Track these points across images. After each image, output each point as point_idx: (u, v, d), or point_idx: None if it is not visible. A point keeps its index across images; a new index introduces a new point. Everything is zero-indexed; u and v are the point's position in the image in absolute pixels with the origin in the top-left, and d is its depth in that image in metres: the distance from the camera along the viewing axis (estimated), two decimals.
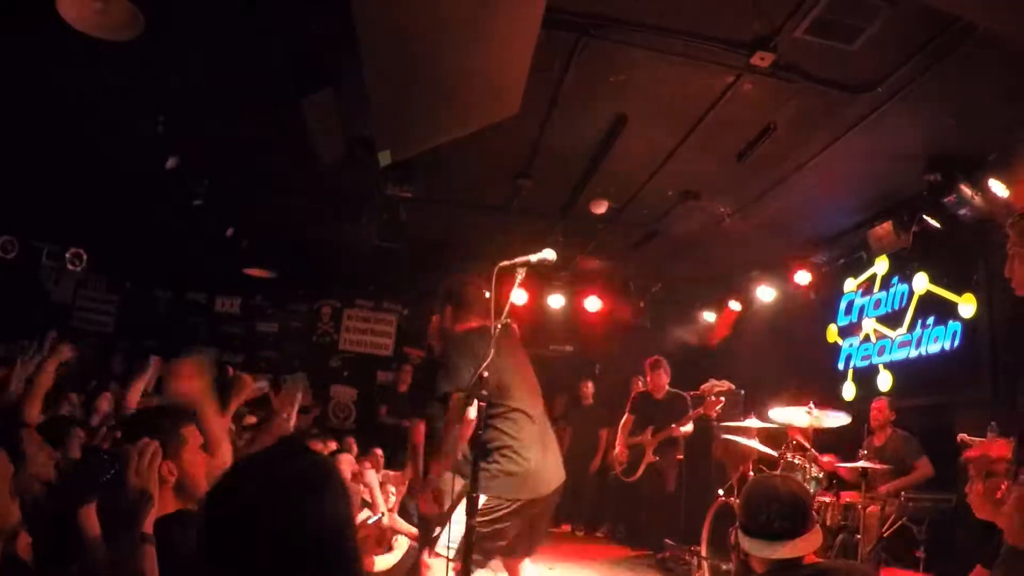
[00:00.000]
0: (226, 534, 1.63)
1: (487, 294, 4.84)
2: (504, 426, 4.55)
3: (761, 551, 2.96)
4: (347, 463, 7.38)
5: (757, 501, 3.01)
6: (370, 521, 6.83)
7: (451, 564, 4.40)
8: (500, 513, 4.43)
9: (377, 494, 7.21)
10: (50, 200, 9.55)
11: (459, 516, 4.25)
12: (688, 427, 9.32)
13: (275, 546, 1.59)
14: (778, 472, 6.76)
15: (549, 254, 4.24)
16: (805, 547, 2.94)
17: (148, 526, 2.49)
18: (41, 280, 11.56)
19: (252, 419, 6.75)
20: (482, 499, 4.25)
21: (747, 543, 3.01)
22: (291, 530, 1.60)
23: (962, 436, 5.87)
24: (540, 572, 8.21)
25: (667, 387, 9.77)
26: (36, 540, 2.92)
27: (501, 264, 4.20)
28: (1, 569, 2.36)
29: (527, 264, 4.19)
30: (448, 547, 4.38)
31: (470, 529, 4.05)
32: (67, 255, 10.73)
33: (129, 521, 2.43)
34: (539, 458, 4.58)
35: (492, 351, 4.09)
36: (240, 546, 1.60)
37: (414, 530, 7.28)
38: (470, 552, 4.08)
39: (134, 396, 5.44)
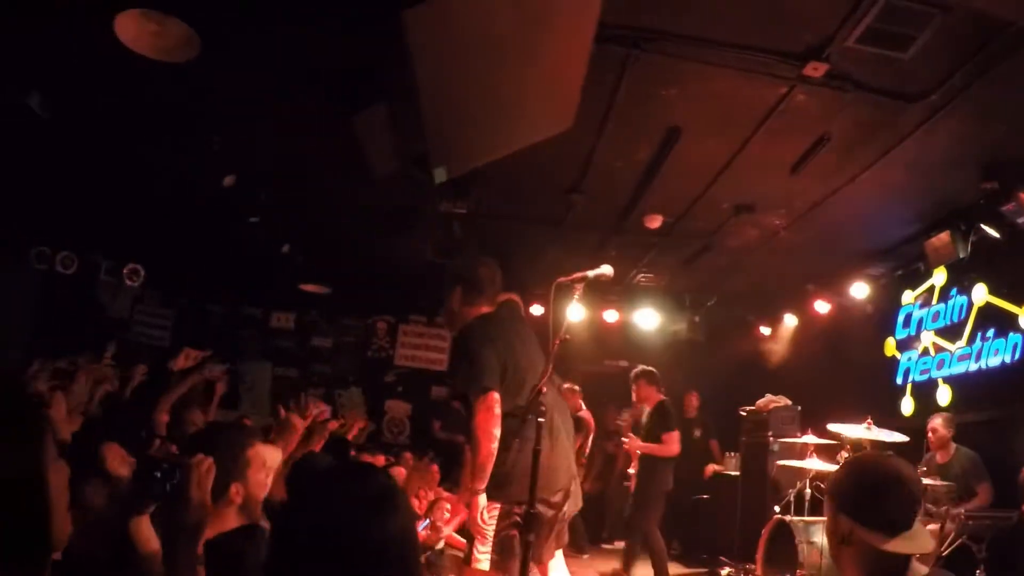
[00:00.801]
0: (298, 550, 1.68)
1: (498, 276, 4.79)
2: (510, 427, 4.37)
3: (885, 545, 2.44)
4: (400, 477, 7.46)
5: (874, 481, 2.55)
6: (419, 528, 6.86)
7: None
8: (514, 519, 4.32)
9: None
10: (108, 216, 9.74)
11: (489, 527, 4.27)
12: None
13: (345, 562, 1.64)
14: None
15: (607, 269, 4.24)
16: (925, 541, 2.54)
17: (200, 547, 2.48)
18: (99, 295, 11.78)
19: None
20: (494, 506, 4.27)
21: (864, 533, 2.46)
22: (361, 546, 1.65)
23: None
24: None
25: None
26: (93, 550, 2.98)
27: (559, 280, 4.22)
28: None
29: (585, 280, 4.20)
30: (482, 558, 4.33)
31: (505, 538, 4.10)
32: (125, 271, 10.95)
33: (191, 537, 2.40)
34: (547, 457, 4.23)
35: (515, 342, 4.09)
36: (311, 561, 1.65)
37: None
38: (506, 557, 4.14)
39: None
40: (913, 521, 2.48)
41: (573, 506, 4.61)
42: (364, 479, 1.79)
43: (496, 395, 4.31)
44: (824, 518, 2.85)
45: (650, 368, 9.13)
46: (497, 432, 4.28)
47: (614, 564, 9.87)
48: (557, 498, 4.40)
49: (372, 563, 1.65)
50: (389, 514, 1.70)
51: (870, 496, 2.50)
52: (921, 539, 2.50)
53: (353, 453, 7.82)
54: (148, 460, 2.68)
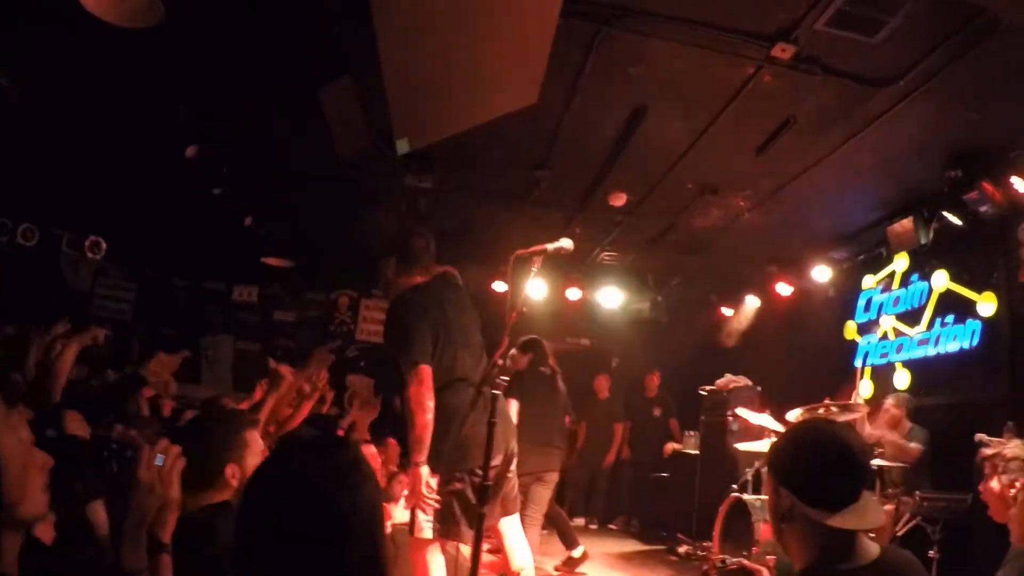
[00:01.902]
0: (265, 518, 1.68)
1: (432, 246, 4.82)
2: (445, 398, 4.44)
3: (829, 520, 2.25)
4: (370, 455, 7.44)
5: (815, 450, 2.37)
6: None
7: (436, 543, 4.45)
8: (454, 487, 4.40)
9: None
10: (70, 188, 9.59)
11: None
12: None
13: (313, 531, 1.64)
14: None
15: (566, 243, 4.23)
16: (874, 516, 2.33)
17: (166, 535, 2.38)
18: (60, 267, 11.61)
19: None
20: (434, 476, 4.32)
21: (806, 509, 2.29)
22: (329, 516, 1.65)
23: (980, 436, 5.83)
24: (554, 564, 8.21)
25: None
26: (59, 522, 2.93)
27: (518, 252, 4.21)
28: (23, 552, 2.33)
29: (544, 252, 4.19)
30: (425, 527, 4.40)
31: (446, 507, 4.25)
32: (86, 243, 10.79)
33: (138, 522, 2.28)
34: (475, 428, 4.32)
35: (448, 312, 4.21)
36: (278, 530, 1.65)
37: None
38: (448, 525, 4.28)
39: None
40: (859, 494, 2.30)
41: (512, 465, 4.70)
42: (333, 450, 1.78)
43: (427, 367, 4.38)
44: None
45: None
46: (430, 403, 4.33)
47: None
48: (496, 461, 4.39)
49: (340, 533, 1.65)
50: (358, 485, 1.70)
51: (811, 467, 2.32)
52: (869, 514, 2.29)
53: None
54: (98, 440, 2.61)
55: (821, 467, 2.31)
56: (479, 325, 4.86)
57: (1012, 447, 3.85)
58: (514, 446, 4.73)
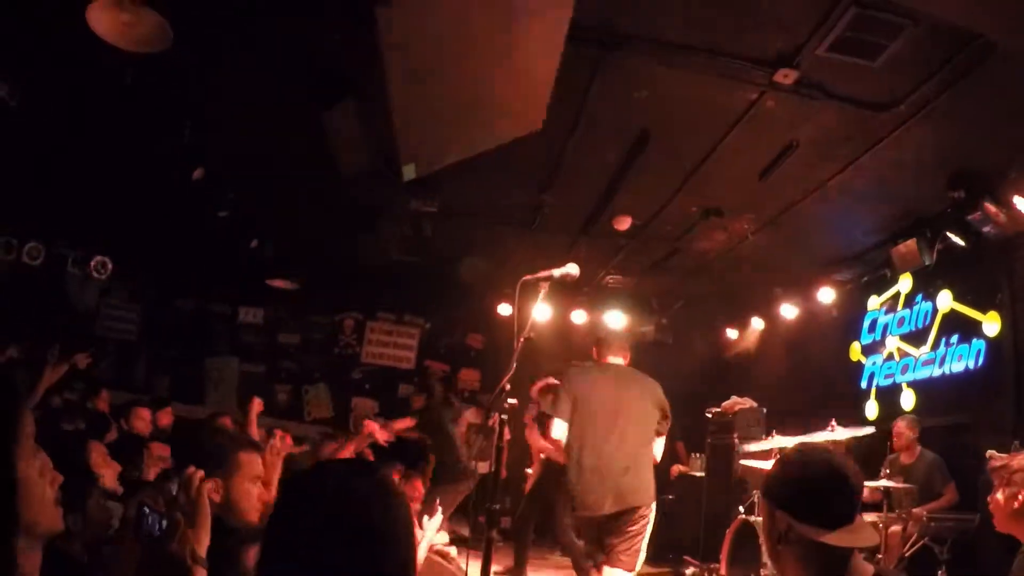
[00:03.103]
0: (310, 533, 1.69)
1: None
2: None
3: (825, 538, 2.29)
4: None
5: (810, 474, 2.41)
6: None
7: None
8: None
9: None
10: (76, 208, 9.62)
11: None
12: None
13: (356, 545, 1.67)
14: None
15: (572, 268, 4.27)
16: (870, 535, 2.40)
17: (202, 549, 2.49)
18: (66, 287, 11.64)
19: None
20: None
21: (802, 528, 2.32)
22: (370, 531, 1.69)
23: (991, 452, 5.83)
24: None
25: None
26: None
27: (525, 278, 4.24)
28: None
29: (550, 278, 4.23)
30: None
31: None
32: (92, 263, 10.81)
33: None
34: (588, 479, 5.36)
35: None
36: (316, 544, 1.67)
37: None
38: None
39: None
40: (854, 515, 2.35)
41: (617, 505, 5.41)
42: (372, 471, 1.86)
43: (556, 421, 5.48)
44: None
45: None
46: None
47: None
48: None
49: (380, 547, 1.70)
50: (394, 503, 1.76)
51: (806, 489, 2.36)
52: (863, 533, 2.35)
53: None
54: (142, 506, 2.66)
55: (816, 487, 2.36)
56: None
57: (1021, 458, 3.86)
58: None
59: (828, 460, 2.43)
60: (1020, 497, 3.54)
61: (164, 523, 2.42)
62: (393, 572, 1.71)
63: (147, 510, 2.45)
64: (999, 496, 3.66)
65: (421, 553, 6.36)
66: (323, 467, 1.93)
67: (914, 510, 6.99)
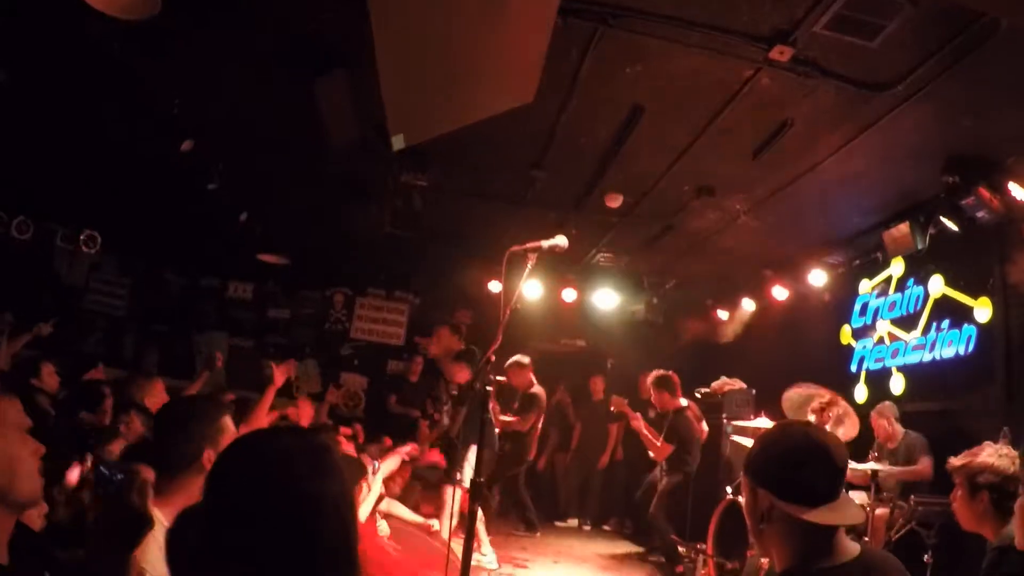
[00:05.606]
0: (231, 503, 1.68)
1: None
2: None
3: (807, 515, 2.26)
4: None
5: (791, 450, 2.38)
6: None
7: None
8: None
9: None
10: (65, 182, 9.56)
11: None
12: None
13: (281, 515, 1.65)
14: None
15: (561, 240, 4.25)
16: (855, 512, 2.35)
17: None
18: (54, 262, 11.57)
19: None
20: None
21: (784, 506, 2.30)
22: (296, 501, 1.67)
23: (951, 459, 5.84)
24: (545, 566, 8.20)
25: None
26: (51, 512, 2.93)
27: (513, 248, 4.21)
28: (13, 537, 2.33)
29: (539, 250, 4.21)
30: None
31: None
32: (81, 237, 10.75)
33: (125, 541, 2.36)
34: None
35: None
36: (244, 515, 1.65)
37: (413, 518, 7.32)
38: None
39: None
40: (837, 492, 2.32)
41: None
42: (300, 438, 1.82)
43: None
44: None
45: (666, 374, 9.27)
46: None
47: (569, 541, 9.90)
48: None
49: (308, 519, 1.66)
50: (325, 472, 1.72)
51: (788, 466, 2.33)
52: (848, 510, 2.31)
53: None
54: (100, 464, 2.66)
55: (797, 464, 2.33)
56: None
57: (982, 459, 3.83)
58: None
59: (809, 436, 2.39)
60: (984, 499, 3.53)
61: (119, 476, 2.39)
62: (323, 556, 1.67)
63: (102, 467, 2.42)
64: (959, 495, 3.65)
65: (364, 511, 6.38)
66: (249, 437, 1.90)
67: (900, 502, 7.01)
